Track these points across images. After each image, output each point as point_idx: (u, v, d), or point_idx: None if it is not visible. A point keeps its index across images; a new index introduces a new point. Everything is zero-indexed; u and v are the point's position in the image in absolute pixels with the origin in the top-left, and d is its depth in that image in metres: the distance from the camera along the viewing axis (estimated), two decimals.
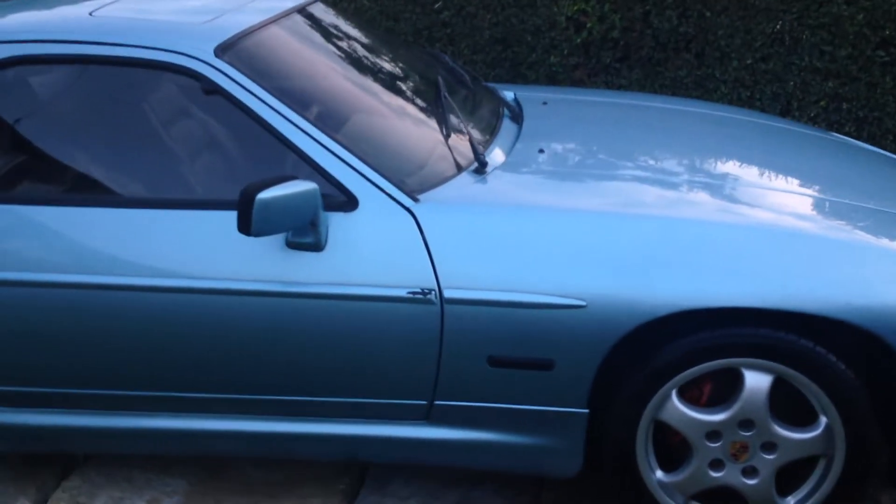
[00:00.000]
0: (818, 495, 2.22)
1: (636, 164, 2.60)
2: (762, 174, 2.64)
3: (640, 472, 2.24)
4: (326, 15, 2.90)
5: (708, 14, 4.25)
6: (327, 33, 2.80)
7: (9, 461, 2.68)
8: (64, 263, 2.22)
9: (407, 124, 2.50)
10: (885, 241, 2.22)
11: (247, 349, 2.25)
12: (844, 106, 4.29)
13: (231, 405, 2.35)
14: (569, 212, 2.24)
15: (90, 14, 2.48)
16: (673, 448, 2.26)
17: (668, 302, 2.06)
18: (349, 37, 2.87)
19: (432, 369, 2.21)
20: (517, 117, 2.87)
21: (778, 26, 4.24)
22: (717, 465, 2.21)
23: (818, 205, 2.43)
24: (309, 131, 2.22)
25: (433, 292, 2.14)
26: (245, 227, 2.04)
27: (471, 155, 2.41)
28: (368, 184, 2.20)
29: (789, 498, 2.24)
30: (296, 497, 2.55)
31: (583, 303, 2.09)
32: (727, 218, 2.27)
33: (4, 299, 2.25)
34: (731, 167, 2.66)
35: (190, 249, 2.22)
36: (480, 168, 2.37)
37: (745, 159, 2.73)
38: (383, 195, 2.20)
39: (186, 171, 2.37)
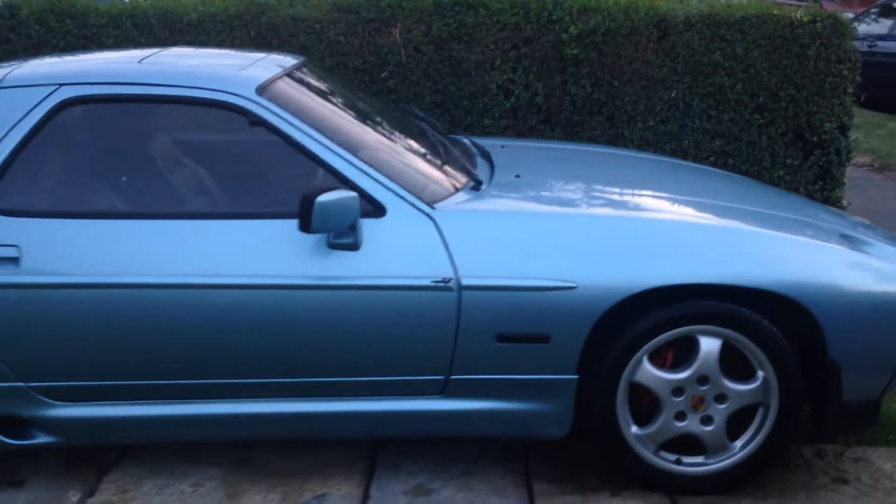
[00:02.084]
0: (759, 438, 2.76)
1: (592, 185, 3.19)
2: (688, 190, 3.27)
3: (619, 428, 2.74)
4: (317, 72, 3.40)
5: (616, 83, 4.97)
6: (323, 85, 3.29)
7: (44, 458, 2.93)
8: (141, 267, 2.59)
9: (406, 153, 2.99)
10: (788, 234, 2.84)
11: (289, 336, 2.65)
12: (729, 161, 5.06)
13: (268, 389, 2.72)
14: (557, 214, 2.79)
15: (139, 62, 2.90)
16: (642, 407, 2.77)
17: (640, 282, 2.61)
18: (340, 87, 3.37)
19: (450, 347, 2.66)
20: (485, 154, 3.42)
21: (673, 94, 4.99)
22: (680, 416, 2.73)
23: (736, 210, 3.05)
24: (341, 154, 2.70)
25: (452, 281, 2.62)
26: (306, 225, 2.48)
27: (461, 179, 2.93)
28: (394, 195, 2.68)
29: (737, 442, 2.78)
30: (319, 478, 2.91)
31: (574, 284, 2.61)
32: (677, 217, 2.87)
33: (83, 301, 2.58)
34: (663, 186, 3.29)
35: (246, 252, 2.62)
36: (476, 186, 2.90)
37: (671, 181, 3.38)
38: (407, 204, 2.68)
39: (237, 188, 2.79)
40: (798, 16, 4.98)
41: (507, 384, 2.72)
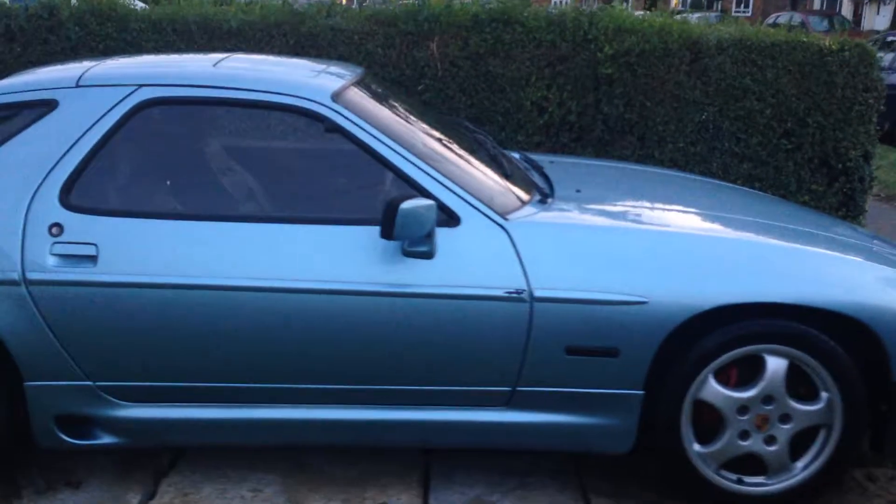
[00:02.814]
0: (820, 459, 2.79)
1: (651, 201, 3.22)
2: (742, 209, 3.30)
3: (683, 445, 2.76)
4: (377, 82, 3.43)
5: (648, 104, 5.02)
6: (385, 95, 3.31)
7: (98, 459, 2.92)
8: (214, 269, 2.58)
9: (474, 164, 3.01)
10: (852, 256, 2.88)
11: (358, 342, 2.65)
12: (756, 185, 5.11)
13: (333, 395, 2.72)
14: (629, 230, 2.82)
15: (214, 66, 2.91)
16: (703, 425, 2.79)
17: (711, 299, 2.64)
18: (400, 98, 3.39)
19: (518, 359, 2.68)
20: (538, 169, 3.45)
21: (704, 116, 5.05)
22: (744, 435, 2.75)
23: (796, 231, 3.08)
24: (416, 162, 2.71)
25: (525, 292, 2.63)
26: (388, 232, 2.49)
27: (528, 191, 2.95)
28: (468, 206, 2.69)
29: (798, 462, 2.81)
30: (377, 487, 2.91)
31: (645, 300, 2.63)
32: (747, 236, 2.89)
33: (156, 301, 2.57)
34: (718, 205, 3.33)
35: (319, 258, 2.63)
36: (544, 199, 2.92)
37: (723, 201, 3.43)
38: (481, 215, 2.69)
39: (311, 194, 2.80)
40: (827, 43, 5.06)
41: (574, 397, 2.73)
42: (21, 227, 2.57)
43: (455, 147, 3.08)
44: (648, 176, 3.83)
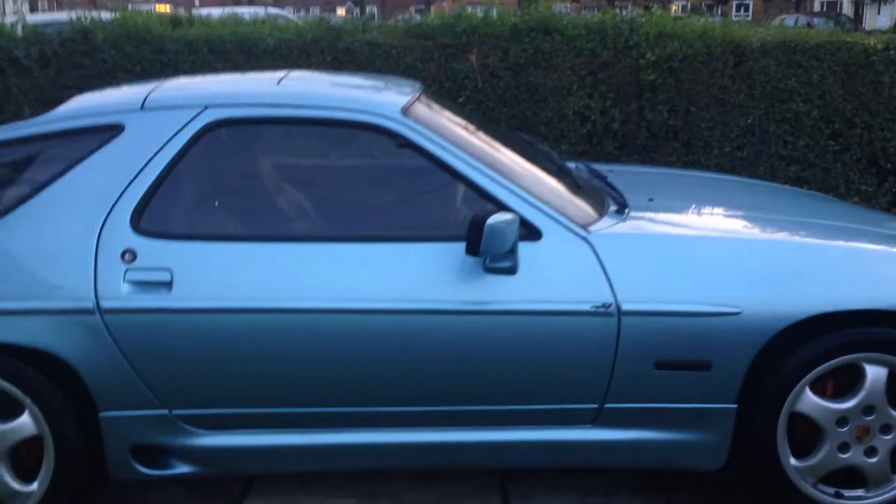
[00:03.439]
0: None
1: (726, 209, 3.13)
2: (816, 214, 3.20)
3: (779, 460, 2.65)
4: (434, 97, 3.34)
5: (692, 109, 4.94)
6: (446, 109, 3.22)
7: (169, 487, 2.83)
8: (291, 292, 2.49)
9: (547, 177, 2.92)
10: None
11: (440, 363, 2.55)
12: (805, 188, 5.02)
13: (412, 418, 2.62)
14: (715, 239, 2.72)
15: (278, 84, 2.83)
16: (798, 438, 2.69)
17: (807, 308, 2.54)
18: (460, 112, 3.31)
19: (606, 375, 2.58)
20: (602, 178, 3.36)
21: (749, 120, 4.97)
22: (844, 447, 2.65)
23: (879, 234, 2.98)
24: (493, 176, 2.62)
25: (612, 306, 2.54)
26: (474, 248, 2.40)
27: (603, 202, 2.87)
28: (549, 219, 2.60)
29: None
30: None
31: (737, 310, 2.54)
32: (839, 242, 2.79)
33: (233, 326, 2.48)
34: (792, 210, 3.24)
35: (397, 277, 2.54)
36: (620, 210, 2.83)
37: (795, 205, 3.34)
38: (563, 228, 2.60)
39: (384, 212, 2.71)
40: (872, 43, 4.98)
41: (664, 413, 2.63)
42: (93, 254, 2.48)
43: (523, 160, 2.99)
44: (710, 182, 3.73)
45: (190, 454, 2.61)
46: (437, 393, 2.60)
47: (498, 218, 2.42)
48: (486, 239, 2.40)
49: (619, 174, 3.56)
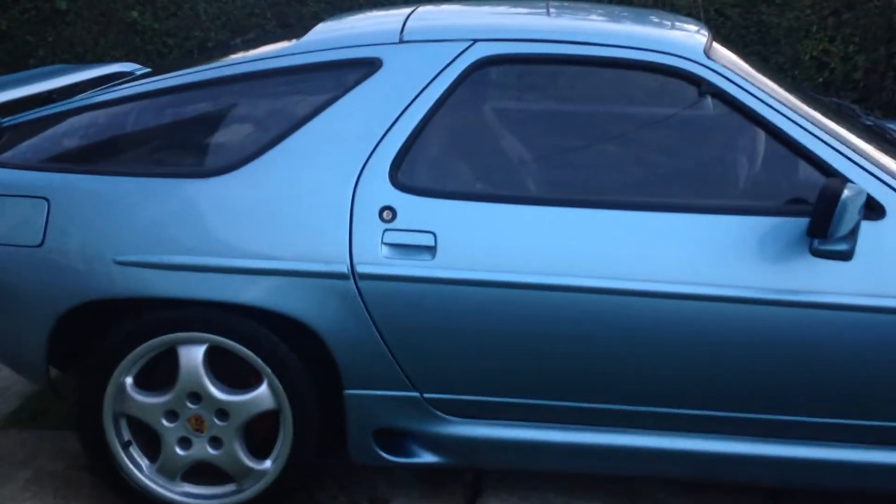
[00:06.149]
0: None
1: None
2: None
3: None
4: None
5: None
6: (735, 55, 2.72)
7: (402, 478, 2.54)
8: (573, 266, 2.11)
9: (873, 142, 2.40)
10: None
11: (744, 362, 2.14)
12: None
13: (691, 422, 2.23)
14: None
15: (548, 14, 2.41)
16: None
17: None
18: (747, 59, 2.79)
19: None
20: None
21: None
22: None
23: None
24: (823, 138, 2.15)
25: None
26: (822, 228, 1.96)
27: None
28: (895, 193, 2.12)
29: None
30: None
31: None
32: None
33: (506, 303, 2.13)
34: None
35: (699, 255, 2.12)
36: None
37: None
38: None
39: (683, 174, 2.29)
40: None
41: None
42: (348, 210, 2.15)
43: (841, 120, 2.50)
44: None
45: (436, 443, 2.29)
46: (732, 396, 2.19)
47: (850, 192, 1.96)
48: (838, 217, 1.95)
49: None
